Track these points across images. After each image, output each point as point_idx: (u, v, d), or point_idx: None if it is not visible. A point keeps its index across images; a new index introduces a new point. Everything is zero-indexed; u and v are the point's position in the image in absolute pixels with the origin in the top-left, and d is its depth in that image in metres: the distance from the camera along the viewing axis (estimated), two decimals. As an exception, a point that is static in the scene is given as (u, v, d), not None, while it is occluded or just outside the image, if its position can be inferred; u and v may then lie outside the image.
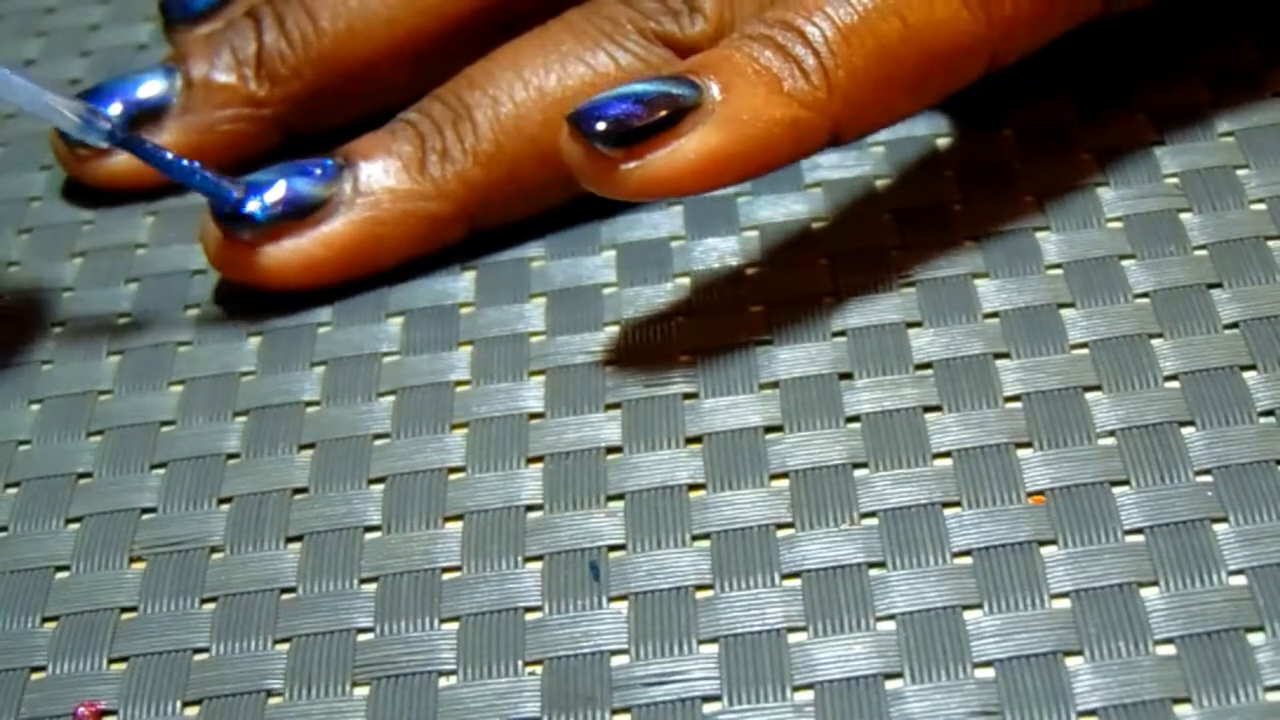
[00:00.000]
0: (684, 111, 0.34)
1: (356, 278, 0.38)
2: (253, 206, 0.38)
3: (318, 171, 0.38)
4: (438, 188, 0.38)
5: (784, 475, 0.33)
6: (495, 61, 0.39)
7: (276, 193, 0.38)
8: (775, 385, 0.35)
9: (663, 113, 0.34)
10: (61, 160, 0.42)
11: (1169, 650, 0.29)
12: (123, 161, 0.41)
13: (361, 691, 0.31)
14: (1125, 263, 0.36)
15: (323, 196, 0.38)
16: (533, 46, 0.38)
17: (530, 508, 0.33)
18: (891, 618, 0.31)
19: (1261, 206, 0.37)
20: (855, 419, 0.34)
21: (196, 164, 0.37)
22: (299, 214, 0.38)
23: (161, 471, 0.35)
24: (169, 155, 0.37)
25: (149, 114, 0.41)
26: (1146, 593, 0.30)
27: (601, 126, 0.34)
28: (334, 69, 0.41)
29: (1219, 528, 0.31)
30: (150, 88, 0.41)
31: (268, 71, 0.41)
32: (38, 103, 0.36)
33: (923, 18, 0.34)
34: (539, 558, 0.33)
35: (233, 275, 0.39)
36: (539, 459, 0.34)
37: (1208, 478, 0.32)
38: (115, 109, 0.41)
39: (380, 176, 0.38)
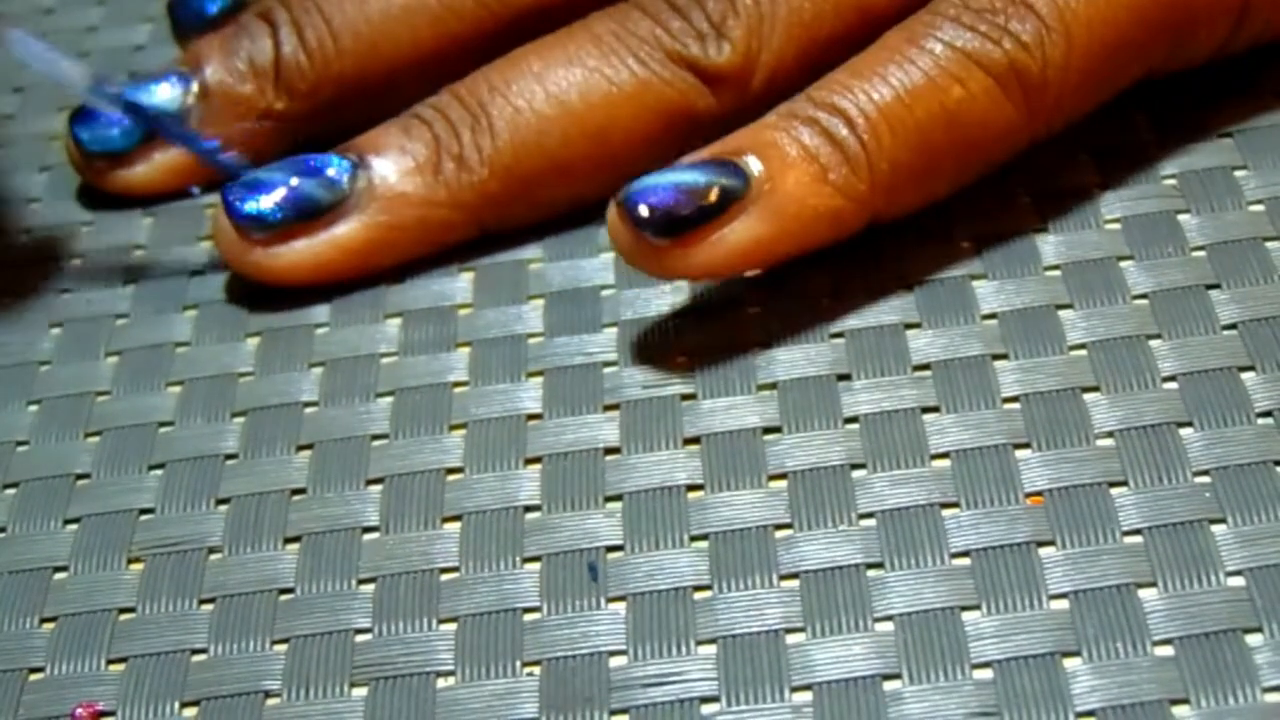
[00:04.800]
0: (730, 200, 0.34)
1: (365, 276, 0.38)
2: (266, 205, 0.38)
3: (330, 171, 0.38)
4: (452, 196, 0.38)
5: (782, 476, 0.33)
6: (517, 67, 0.38)
7: (289, 193, 0.38)
8: (773, 386, 0.35)
9: (710, 201, 0.34)
10: (79, 171, 0.41)
11: (1167, 651, 0.29)
12: (139, 173, 0.41)
13: (360, 692, 0.31)
14: (1123, 264, 0.36)
15: (335, 198, 0.38)
16: (556, 55, 0.38)
17: (528, 508, 0.33)
18: (890, 619, 0.31)
19: (1260, 208, 0.37)
20: (853, 420, 0.34)
21: (207, 139, 0.38)
22: (311, 215, 0.38)
23: (159, 472, 0.35)
24: (182, 126, 0.38)
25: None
26: (1145, 593, 0.30)
27: (647, 214, 0.34)
28: (354, 86, 0.40)
29: (1217, 529, 0.31)
30: (163, 91, 0.40)
31: (286, 86, 0.40)
32: (54, 66, 0.37)
33: (965, 106, 0.35)
34: (537, 558, 0.33)
35: (244, 273, 0.39)
36: (537, 460, 0.34)
37: (1206, 479, 0.32)
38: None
39: (395, 179, 0.38)
